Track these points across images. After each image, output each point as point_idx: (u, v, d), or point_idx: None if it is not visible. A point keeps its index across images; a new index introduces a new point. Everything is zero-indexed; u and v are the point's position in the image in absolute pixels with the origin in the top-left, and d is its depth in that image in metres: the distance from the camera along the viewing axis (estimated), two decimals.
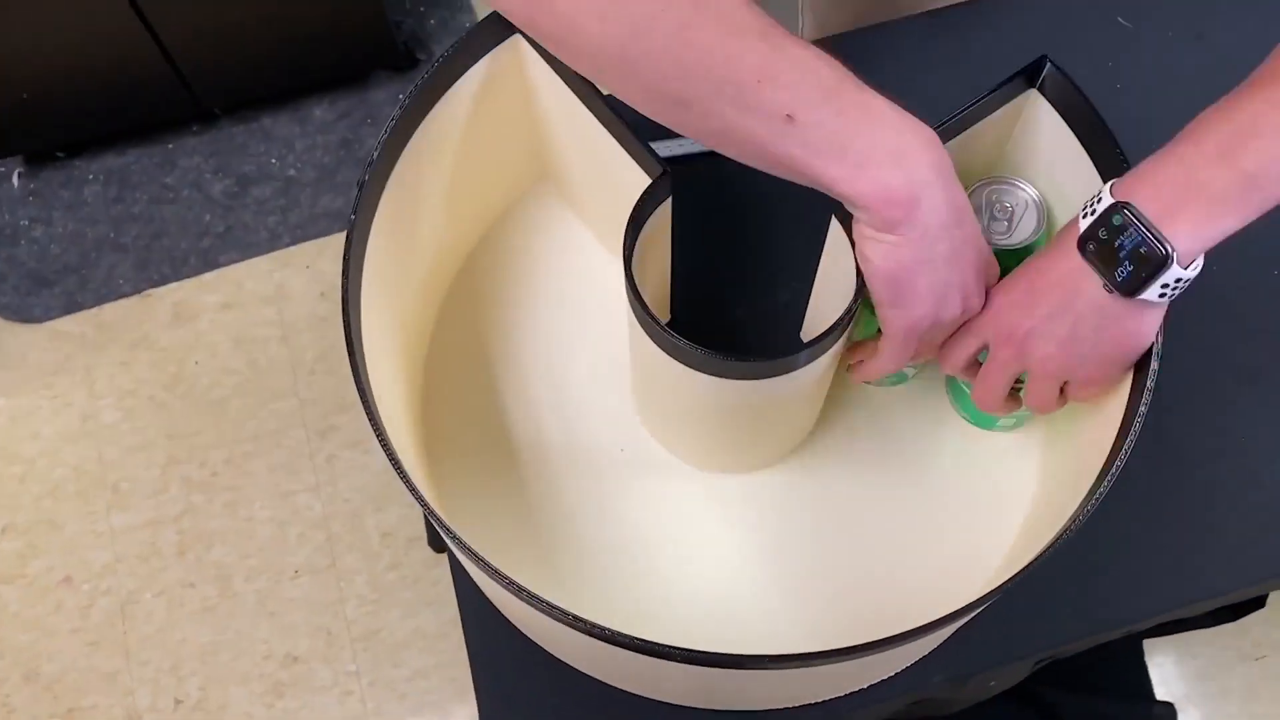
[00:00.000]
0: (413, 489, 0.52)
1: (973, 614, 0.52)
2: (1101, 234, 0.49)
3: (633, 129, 0.59)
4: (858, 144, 0.48)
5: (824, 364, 0.59)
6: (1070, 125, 0.60)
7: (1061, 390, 0.57)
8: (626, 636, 0.48)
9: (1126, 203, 0.49)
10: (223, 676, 1.37)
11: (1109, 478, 0.51)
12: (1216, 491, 0.69)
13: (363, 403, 0.54)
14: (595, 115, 0.61)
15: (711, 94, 0.48)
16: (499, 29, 0.62)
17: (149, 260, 1.62)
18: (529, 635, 0.66)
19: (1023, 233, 0.62)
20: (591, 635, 0.49)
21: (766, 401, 0.60)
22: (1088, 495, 0.51)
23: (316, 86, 1.69)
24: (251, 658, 1.38)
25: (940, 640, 0.64)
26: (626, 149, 0.60)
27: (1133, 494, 0.66)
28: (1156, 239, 0.48)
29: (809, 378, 0.59)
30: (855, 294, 0.55)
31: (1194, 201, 0.48)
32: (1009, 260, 0.63)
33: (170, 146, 1.68)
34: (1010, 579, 0.51)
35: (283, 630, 1.39)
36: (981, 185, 0.63)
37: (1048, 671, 0.79)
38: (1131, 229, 0.48)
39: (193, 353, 1.55)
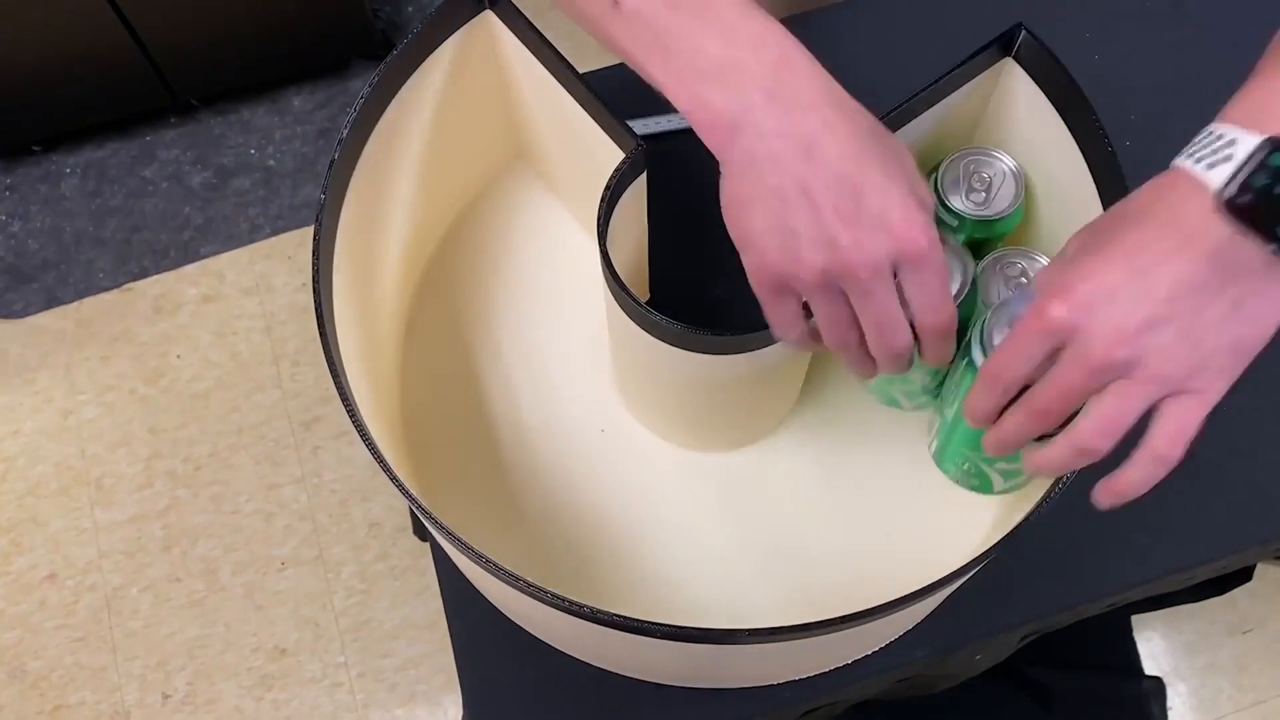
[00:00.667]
0: (389, 472, 0.52)
1: (954, 585, 0.51)
2: (1261, 180, 0.38)
3: (607, 105, 0.59)
4: (682, 47, 0.43)
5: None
6: (1047, 94, 0.59)
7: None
8: (607, 614, 0.48)
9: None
10: (211, 670, 1.37)
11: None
12: (1200, 461, 0.69)
13: (337, 389, 0.54)
14: (569, 91, 0.60)
15: None
16: (470, 5, 0.61)
17: (129, 254, 1.60)
18: (512, 618, 0.66)
19: (1001, 203, 0.62)
20: (573, 614, 0.49)
21: (746, 377, 0.59)
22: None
23: (295, 76, 1.68)
24: (239, 651, 1.37)
25: (924, 614, 0.63)
26: (601, 125, 0.60)
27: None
28: None
29: (788, 351, 0.59)
30: None
31: None
32: (988, 231, 0.62)
33: (148, 139, 1.66)
34: (990, 549, 0.51)
35: (270, 623, 1.39)
36: (959, 156, 0.63)
37: (1035, 648, 0.79)
38: None
39: (174, 346, 1.54)
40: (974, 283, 0.55)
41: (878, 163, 0.43)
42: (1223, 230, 0.40)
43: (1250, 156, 0.39)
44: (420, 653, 1.36)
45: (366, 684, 1.36)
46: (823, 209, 0.43)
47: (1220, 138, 0.41)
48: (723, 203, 0.45)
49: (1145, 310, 0.41)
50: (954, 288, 0.52)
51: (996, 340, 0.50)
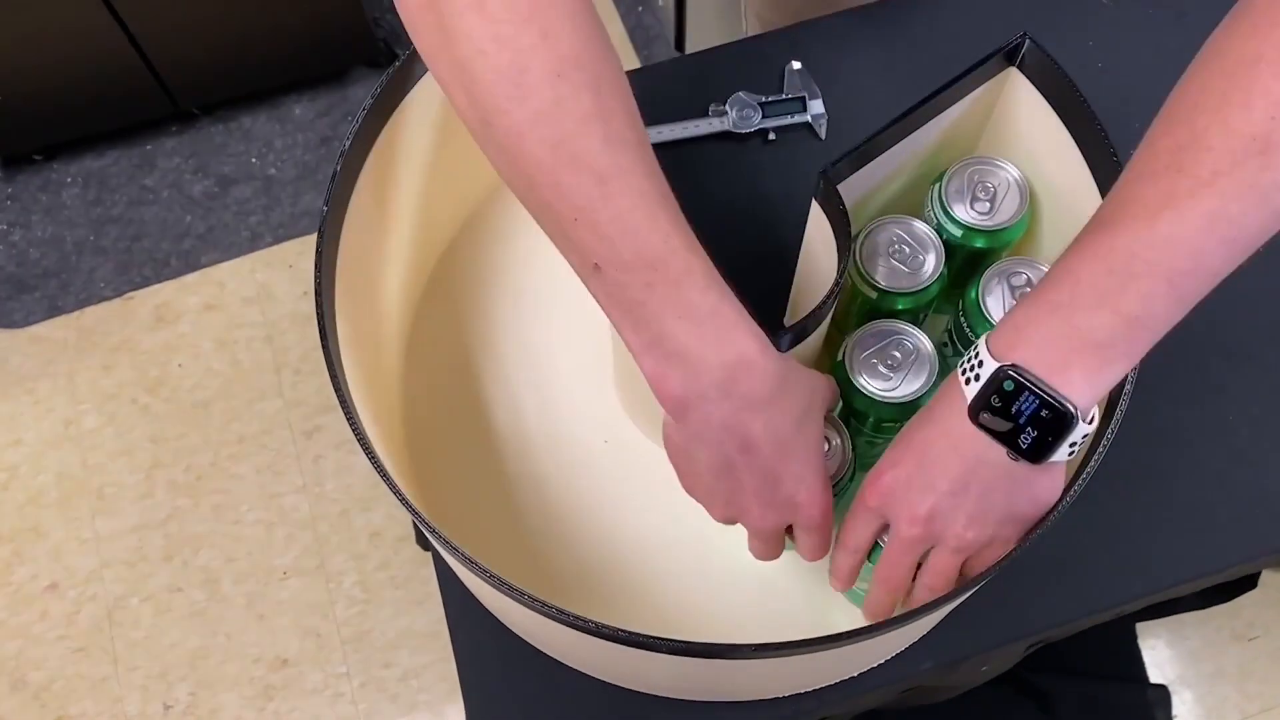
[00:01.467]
0: (390, 483, 0.51)
1: (961, 599, 0.51)
2: (995, 401, 0.45)
3: None
4: (651, 325, 0.46)
5: (808, 349, 0.59)
6: (1051, 104, 0.59)
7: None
8: (611, 628, 0.48)
9: (1015, 366, 0.45)
10: (212, 681, 1.36)
11: (1094, 459, 0.50)
12: (1204, 471, 0.69)
13: (339, 399, 0.54)
14: None
15: (537, 210, 0.47)
16: None
17: (130, 263, 1.60)
18: (515, 631, 0.65)
19: (1005, 213, 0.62)
20: (576, 629, 0.48)
21: None
22: (1073, 477, 0.50)
23: (295, 85, 1.68)
24: (241, 661, 1.37)
25: (930, 627, 0.63)
26: None
27: (1121, 474, 0.66)
28: (1055, 399, 0.44)
29: (799, 359, 0.58)
30: (837, 278, 0.54)
31: (1081, 352, 0.44)
32: (992, 241, 0.62)
33: (149, 148, 1.66)
34: (997, 562, 0.50)
35: (272, 633, 1.38)
36: (963, 165, 0.63)
37: (1040, 656, 0.78)
38: (1026, 392, 0.44)
39: (175, 355, 1.53)
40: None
41: (798, 452, 0.50)
42: (979, 438, 0.47)
43: (990, 380, 0.46)
44: (422, 662, 1.36)
45: (368, 694, 1.35)
46: (745, 489, 0.51)
47: (976, 356, 0.47)
48: (667, 441, 0.52)
49: (930, 500, 0.49)
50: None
51: None
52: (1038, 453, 0.46)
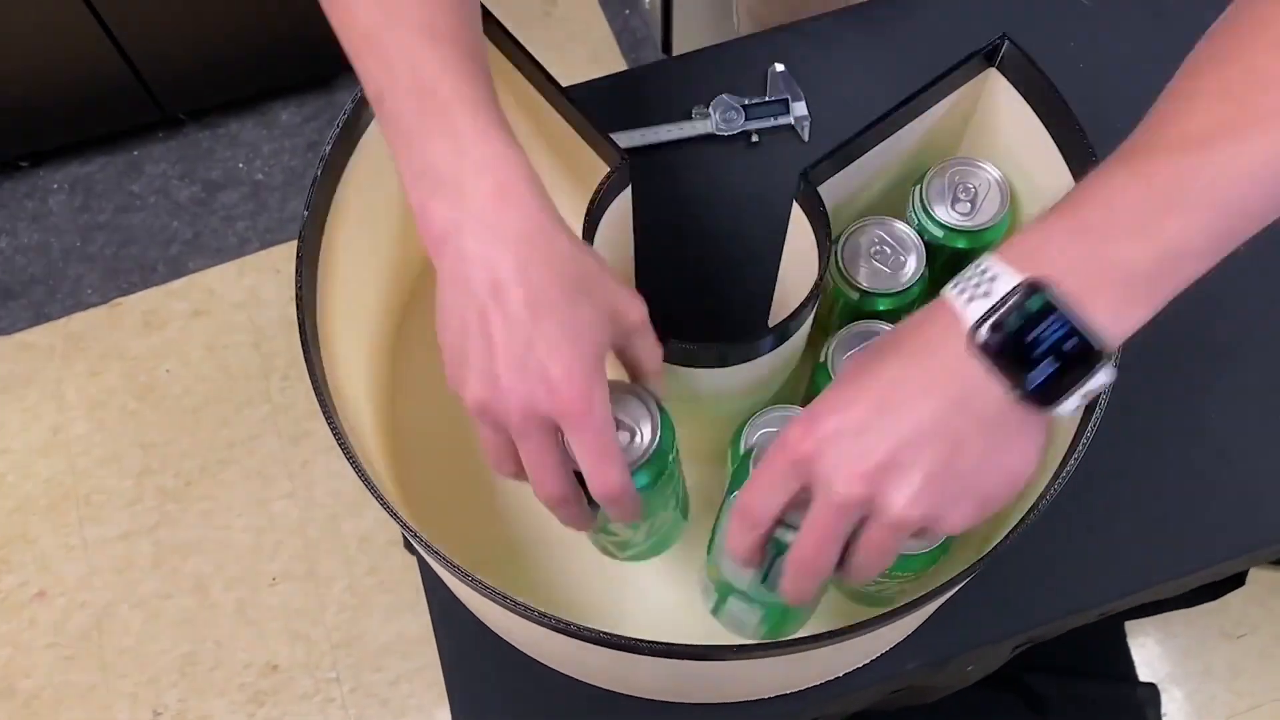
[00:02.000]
0: (372, 488, 0.51)
1: (942, 598, 0.51)
2: (1012, 320, 0.37)
3: (591, 119, 0.59)
4: (418, 152, 0.45)
5: (790, 350, 0.59)
6: (1031, 104, 0.59)
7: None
8: (594, 631, 0.48)
9: (1043, 281, 0.37)
10: (202, 687, 1.36)
11: (1074, 458, 0.51)
12: (1187, 469, 0.69)
13: (321, 406, 0.54)
14: (552, 105, 0.60)
15: (341, 39, 0.48)
16: None
17: (117, 269, 1.60)
18: (500, 634, 0.65)
19: (986, 214, 0.62)
20: (561, 632, 0.48)
21: (735, 388, 0.59)
22: (1053, 476, 0.51)
23: (282, 90, 1.68)
24: (231, 667, 1.37)
25: (914, 627, 0.63)
26: (585, 139, 0.60)
27: (1104, 473, 0.66)
28: (1085, 329, 0.37)
29: (777, 363, 0.58)
30: (817, 279, 0.54)
31: (1111, 284, 0.38)
32: (973, 242, 0.62)
33: (135, 154, 1.66)
34: (978, 561, 0.50)
35: (262, 639, 1.38)
36: (944, 166, 0.63)
37: (1030, 655, 0.78)
38: (1054, 316, 0.37)
39: (163, 361, 1.53)
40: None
41: (560, 316, 0.43)
42: (972, 372, 0.38)
43: (1007, 295, 0.38)
44: (413, 667, 1.36)
45: (359, 699, 1.35)
46: (495, 345, 0.43)
47: (984, 271, 0.39)
48: (437, 295, 0.46)
49: (885, 449, 0.39)
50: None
51: None
52: (1050, 393, 0.38)
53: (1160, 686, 1.22)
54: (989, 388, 0.38)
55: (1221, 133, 0.39)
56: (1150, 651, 1.34)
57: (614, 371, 0.49)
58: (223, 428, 1.48)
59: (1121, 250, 0.38)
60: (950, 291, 0.40)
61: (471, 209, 0.43)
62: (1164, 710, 1.27)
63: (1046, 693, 1.11)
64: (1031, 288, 0.38)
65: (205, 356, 1.53)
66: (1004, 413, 0.39)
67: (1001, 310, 0.38)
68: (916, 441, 0.39)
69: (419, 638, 1.36)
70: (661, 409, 0.51)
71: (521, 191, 0.44)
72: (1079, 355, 0.37)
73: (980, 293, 0.39)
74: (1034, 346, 0.37)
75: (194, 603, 1.40)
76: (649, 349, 0.49)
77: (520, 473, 0.47)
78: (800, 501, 0.42)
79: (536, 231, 0.44)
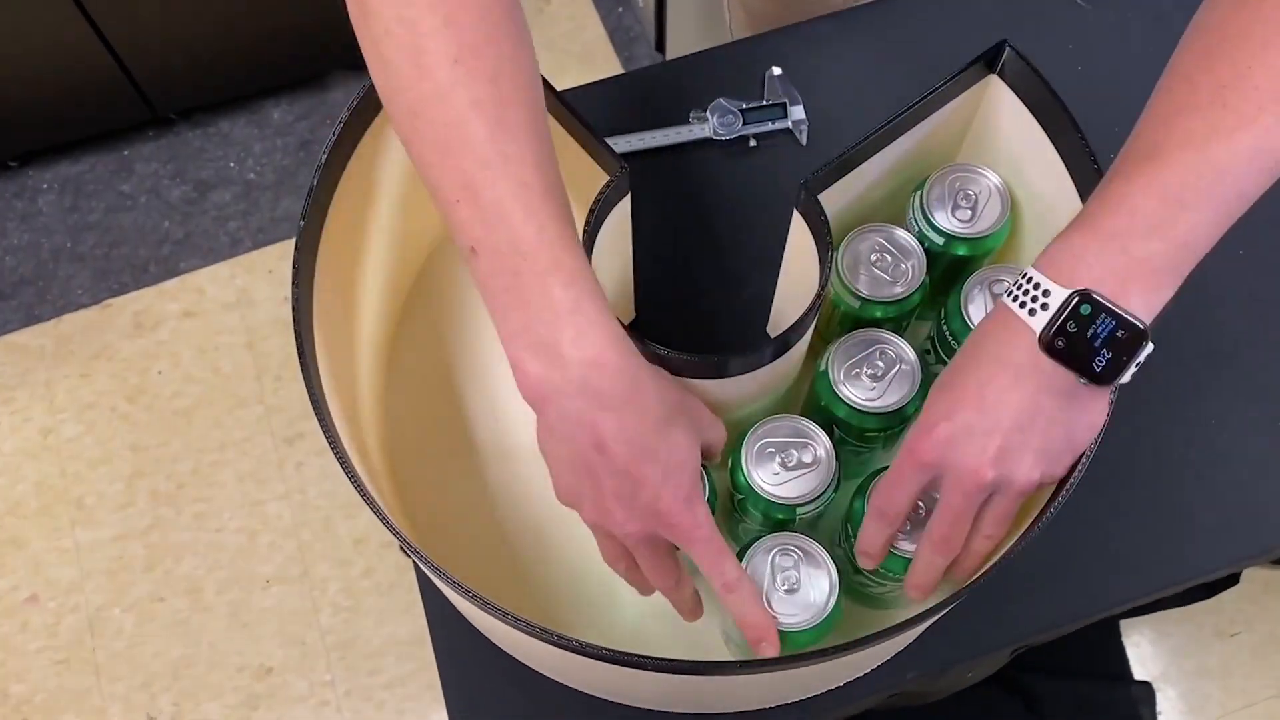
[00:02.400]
0: (367, 498, 0.51)
1: (944, 612, 0.51)
2: (1071, 326, 0.46)
3: (588, 126, 0.58)
4: (518, 315, 0.48)
5: (791, 360, 0.58)
6: (1031, 110, 0.59)
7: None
8: (595, 647, 0.47)
9: (1088, 290, 0.46)
10: (196, 691, 1.35)
11: (1081, 465, 0.50)
12: (1187, 474, 0.69)
13: (317, 415, 0.53)
14: (549, 112, 0.60)
15: (431, 189, 0.49)
16: None
17: (108, 269, 1.59)
18: (497, 644, 0.65)
19: (987, 220, 0.62)
20: (561, 648, 0.48)
21: (736, 398, 0.59)
22: (1055, 489, 0.50)
23: (273, 88, 1.66)
24: (225, 670, 1.36)
25: (914, 637, 0.63)
26: (583, 146, 0.59)
27: (1103, 479, 0.66)
28: (1130, 319, 0.46)
29: (778, 372, 0.58)
30: (818, 289, 0.54)
31: (1140, 277, 0.46)
32: (974, 249, 0.62)
33: (126, 153, 1.65)
34: (981, 574, 0.50)
35: (256, 641, 1.37)
36: (944, 173, 0.63)
37: (1026, 656, 0.78)
38: (1104, 314, 0.46)
39: (155, 362, 1.52)
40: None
41: (659, 458, 0.50)
42: (1046, 364, 0.47)
43: (1063, 307, 0.46)
44: (408, 670, 1.35)
45: (354, 702, 1.35)
46: (604, 490, 0.50)
47: (1037, 286, 0.48)
48: (539, 440, 0.51)
49: (998, 441, 0.48)
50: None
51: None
52: (1112, 373, 0.47)
53: (1155, 685, 1.23)
54: (1063, 376, 0.48)
55: (1214, 136, 0.46)
56: (1145, 650, 1.34)
57: None
58: (215, 429, 1.48)
59: (1144, 249, 0.46)
60: (1010, 304, 0.49)
61: (571, 376, 0.47)
62: (1159, 709, 1.27)
63: (1042, 692, 1.12)
64: (1081, 297, 0.46)
65: (197, 358, 1.52)
66: (1076, 391, 0.48)
67: (1061, 320, 0.47)
68: (1020, 426, 0.48)
69: (414, 640, 1.36)
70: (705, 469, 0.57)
71: (609, 360, 0.48)
72: (1128, 340, 0.46)
73: (1038, 306, 0.47)
74: (1092, 341, 0.46)
75: (187, 606, 1.39)
76: (719, 444, 0.56)
77: (634, 569, 0.54)
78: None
79: (631, 391, 0.49)
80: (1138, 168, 0.47)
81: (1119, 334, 0.46)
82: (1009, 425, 0.48)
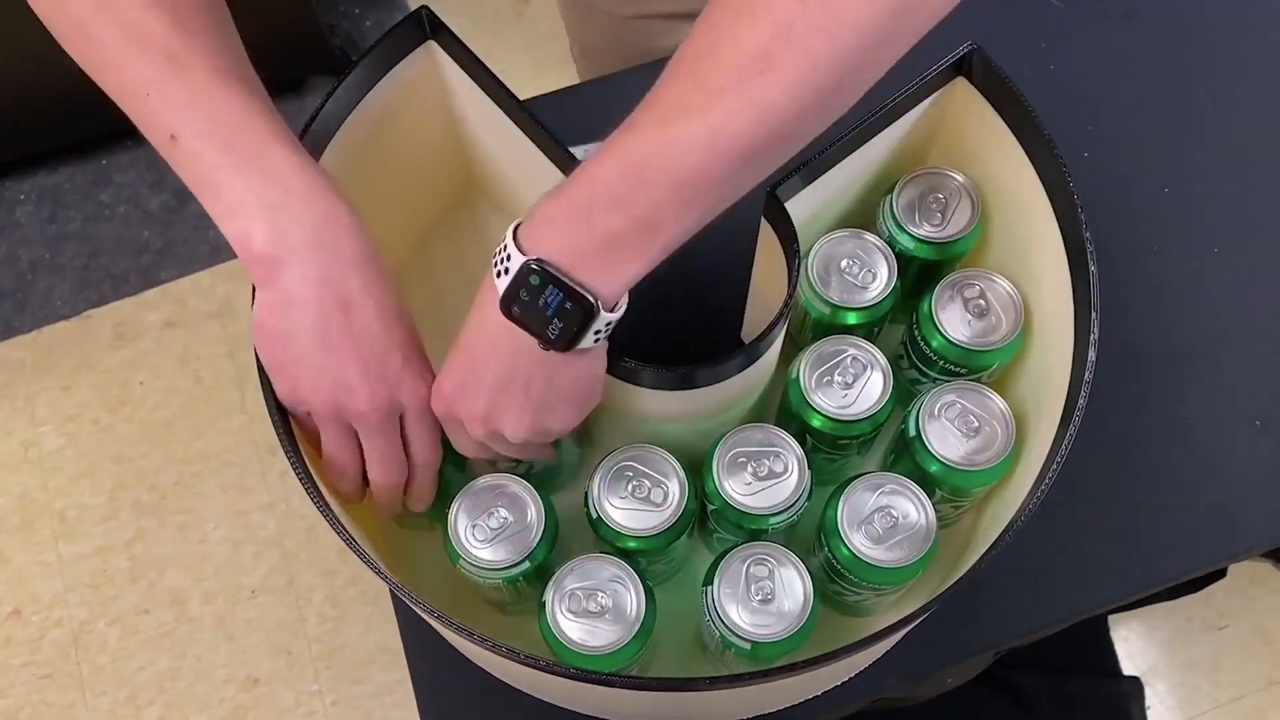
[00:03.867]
0: (339, 529, 0.50)
1: (920, 619, 0.51)
2: (523, 295, 0.46)
3: (551, 132, 0.58)
4: (236, 184, 0.47)
5: (762, 368, 0.58)
6: (999, 112, 0.58)
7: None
8: (568, 668, 0.47)
9: (540, 260, 0.45)
10: (182, 703, 1.34)
11: (1053, 469, 0.50)
12: (1163, 475, 0.68)
13: (279, 437, 0.52)
14: (513, 120, 0.59)
15: (114, 92, 0.48)
16: (412, 35, 0.60)
17: (87, 280, 1.58)
18: (475, 661, 0.64)
19: (957, 224, 0.61)
20: (535, 668, 0.47)
21: (706, 408, 0.58)
22: (1028, 495, 0.50)
23: None
24: (211, 682, 1.35)
25: (890, 645, 0.63)
26: (546, 153, 0.59)
27: (1079, 481, 0.66)
28: (580, 292, 0.45)
29: (749, 382, 0.58)
30: (786, 298, 0.54)
31: (600, 251, 0.45)
32: (944, 253, 0.62)
33: (104, 162, 1.63)
34: (955, 581, 0.50)
35: (242, 652, 1.36)
36: (914, 177, 0.62)
37: (1014, 653, 0.78)
38: (552, 286, 0.45)
39: (136, 373, 1.51)
40: None
41: (406, 325, 0.51)
42: (515, 330, 0.47)
43: (518, 275, 0.45)
44: (395, 678, 1.35)
45: (341, 711, 1.34)
46: (350, 358, 0.49)
47: (505, 250, 0.47)
48: (255, 326, 0.50)
49: (484, 400, 0.50)
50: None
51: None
52: (566, 342, 0.47)
53: (1144, 679, 1.23)
54: (529, 341, 0.47)
55: (678, 111, 0.43)
56: (1133, 645, 1.34)
57: None
58: (197, 440, 1.47)
59: (606, 223, 0.44)
60: (490, 263, 0.48)
61: (309, 232, 0.47)
62: (1148, 703, 1.27)
63: (1032, 689, 1.11)
64: (531, 265, 0.45)
65: (179, 368, 1.51)
66: (547, 357, 0.48)
67: (514, 287, 0.46)
68: (500, 387, 0.49)
69: (401, 649, 1.35)
70: None
71: (346, 216, 0.48)
72: (578, 312, 0.45)
73: (503, 270, 0.46)
74: (544, 310, 0.46)
75: (172, 617, 1.38)
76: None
77: (359, 467, 0.55)
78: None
79: (371, 251, 0.49)
80: (616, 138, 0.45)
81: (568, 305, 0.45)
82: (492, 384, 0.49)
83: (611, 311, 0.47)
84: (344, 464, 0.54)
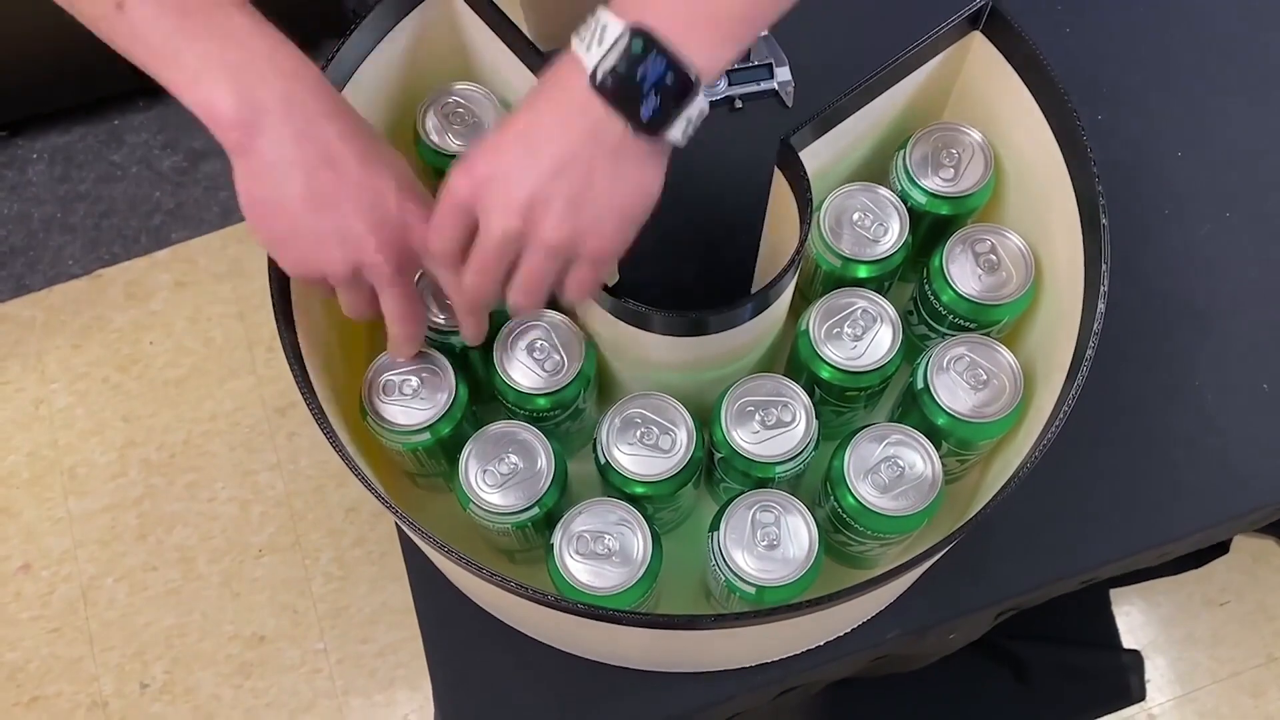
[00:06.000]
0: (352, 464, 0.51)
1: (924, 565, 0.51)
2: (620, 65, 0.42)
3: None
4: (195, 49, 0.44)
5: (771, 318, 0.58)
6: (1015, 68, 0.58)
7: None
8: (574, 603, 0.48)
9: (644, 26, 0.42)
10: (188, 659, 1.36)
11: (1055, 425, 0.50)
12: (1171, 436, 0.69)
13: (296, 379, 0.53)
14: (530, 69, 0.59)
15: None
16: None
17: (98, 240, 1.58)
18: (480, 605, 0.65)
19: (970, 179, 0.61)
20: (542, 604, 0.48)
21: (717, 356, 0.59)
22: (1035, 443, 0.50)
23: None
24: (217, 639, 1.36)
25: (895, 595, 0.63)
26: None
27: (1087, 441, 0.66)
28: (682, 64, 0.43)
29: (758, 331, 0.58)
30: (798, 246, 0.54)
31: (707, 23, 0.43)
32: (957, 208, 0.62)
33: (116, 123, 1.63)
34: (959, 528, 0.50)
35: (248, 610, 1.38)
36: (928, 132, 0.62)
37: (1014, 623, 0.79)
38: (655, 53, 0.42)
39: (147, 333, 1.52)
40: None
41: (390, 165, 0.48)
42: (596, 108, 0.43)
43: (615, 42, 0.42)
44: (400, 637, 1.36)
45: (346, 670, 1.35)
46: (349, 212, 0.47)
47: (600, 21, 0.43)
48: (242, 203, 0.47)
49: (530, 184, 0.45)
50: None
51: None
52: (659, 122, 0.44)
53: (1144, 653, 1.23)
54: (612, 122, 0.44)
55: None
56: (1134, 619, 1.34)
57: None
58: (206, 400, 1.47)
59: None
60: (575, 41, 0.44)
61: (275, 94, 0.45)
62: (1148, 676, 1.28)
63: (1031, 660, 1.12)
64: (634, 32, 0.42)
65: (189, 328, 1.52)
66: (626, 143, 0.44)
67: (611, 54, 0.43)
68: (557, 170, 0.45)
69: (406, 608, 1.36)
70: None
71: (314, 70, 0.46)
72: (677, 88, 0.43)
73: (596, 40, 0.43)
74: (641, 83, 0.43)
75: (179, 575, 1.39)
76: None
77: (377, 313, 0.52)
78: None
79: (340, 101, 0.47)
80: None
81: (668, 79, 0.43)
82: (547, 169, 0.44)
83: (706, 99, 0.44)
84: (362, 313, 0.52)
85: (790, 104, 0.75)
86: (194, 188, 1.60)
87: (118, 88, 1.58)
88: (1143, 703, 1.23)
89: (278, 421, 1.46)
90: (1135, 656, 1.20)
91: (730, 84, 0.75)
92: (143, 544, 1.41)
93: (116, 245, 1.58)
